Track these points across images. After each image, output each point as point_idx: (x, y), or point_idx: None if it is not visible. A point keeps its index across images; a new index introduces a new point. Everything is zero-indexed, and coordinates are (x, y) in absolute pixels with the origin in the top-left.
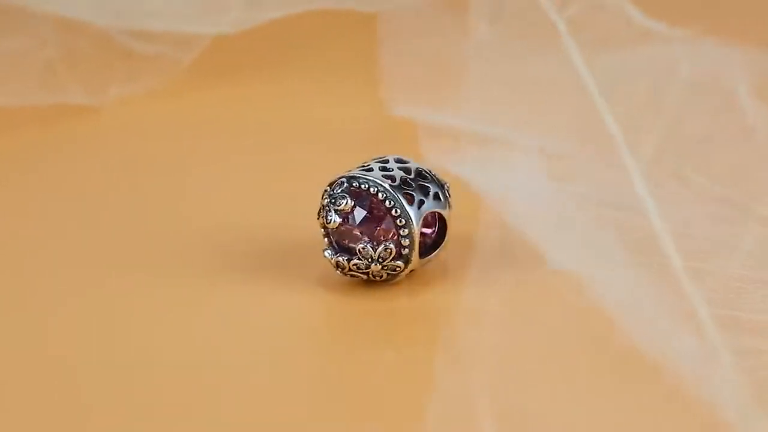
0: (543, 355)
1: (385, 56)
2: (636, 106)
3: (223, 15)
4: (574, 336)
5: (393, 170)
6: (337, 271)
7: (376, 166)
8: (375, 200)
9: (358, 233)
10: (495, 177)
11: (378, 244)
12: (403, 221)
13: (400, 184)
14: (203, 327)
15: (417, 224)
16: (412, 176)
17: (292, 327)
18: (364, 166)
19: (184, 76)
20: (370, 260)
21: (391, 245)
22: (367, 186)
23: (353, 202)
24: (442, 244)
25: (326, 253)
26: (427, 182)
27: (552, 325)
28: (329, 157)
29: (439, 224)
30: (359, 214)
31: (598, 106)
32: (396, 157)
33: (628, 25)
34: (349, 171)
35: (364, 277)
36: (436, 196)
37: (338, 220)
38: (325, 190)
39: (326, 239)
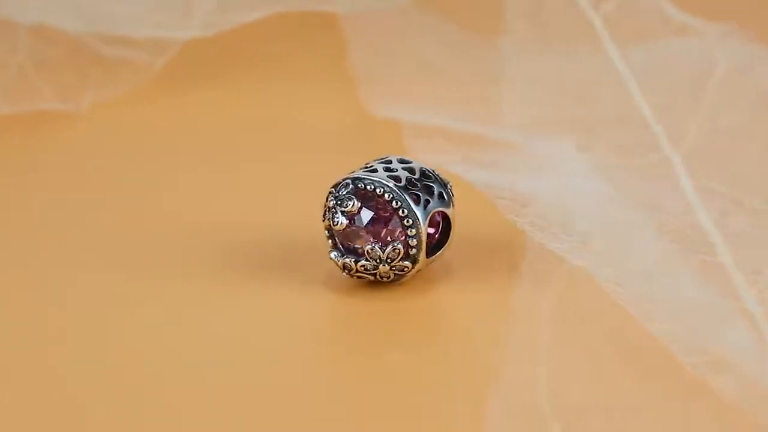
0: (575, 353)
1: (363, 57)
2: (672, 102)
3: (192, 19)
4: (603, 333)
5: (397, 170)
6: (343, 273)
7: (380, 166)
8: (381, 201)
9: (365, 234)
10: (509, 176)
11: (385, 245)
12: (411, 221)
13: (405, 185)
14: (209, 329)
15: (424, 224)
16: (416, 176)
17: (299, 328)
18: (367, 167)
19: (159, 80)
20: (378, 261)
21: (399, 246)
22: (373, 187)
23: (360, 204)
24: (447, 243)
25: (332, 255)
26: (431, 182)
27: (578, 322)
28: (319, 158)
29: (442, 223)
30: (366, 215)
31: (636, 102)
32: (399, 157)
33: (664, 21)
34: (353, 172)
35: (371, 278)
36: (441, 196)
37: (345, 221)
38: (330, 192)
39: (330, 241)
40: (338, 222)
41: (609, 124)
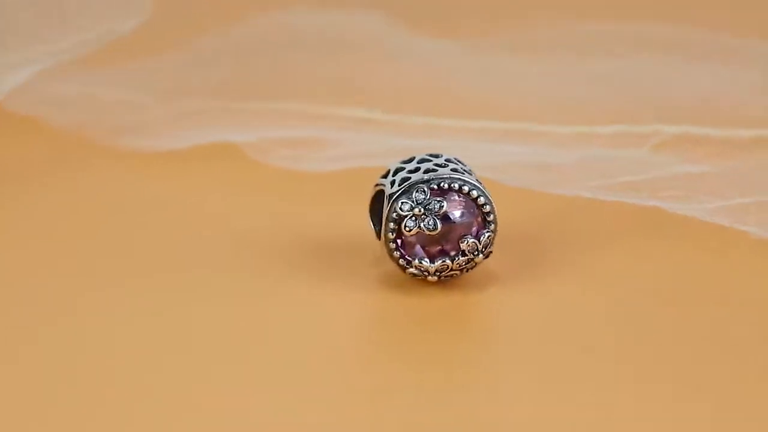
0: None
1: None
2: None
3: None
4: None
5: (448, 164)
6: (430, 278)
7: (428, 165)
8: (461, 195)
9: (459, 231)
10: None
11: (479, 236)
12: (489, 207)
13: (467, 174)
14: (262, 326)
15: (495, 206)
16: (461, 165)
17: (353, 327)
18: (415, 170)
19: None
20: (475, 253)
21: (489, 233)
22: (447, 184)
23: (446, 203)
24: None
25: (419, 263)
26: (467, 167)
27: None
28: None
29: None
30: (456, 212)
31: None
32: (428, 153)
33: None
34: (406, 179)
35: (459, 273)
36: None
37: (440, 223)
38: (402, 201)
39: (399, 252)
40: (434, 226)
41: None
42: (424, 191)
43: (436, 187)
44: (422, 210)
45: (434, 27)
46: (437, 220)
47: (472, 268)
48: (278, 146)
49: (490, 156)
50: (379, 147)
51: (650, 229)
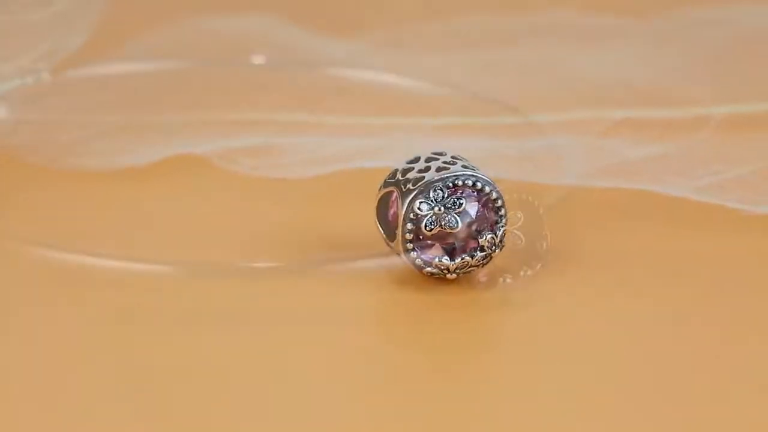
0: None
1: None
2: None
3: None
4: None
5: (456, 161)
6: (450, 275)
7: (438, 163)
8: (474, 191)
9: (475, 227)
10: None
11: (497, 230)
12: (500, 202)
13: (477, 171)
14: (275, 328)
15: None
16: (467, 162)
17: (368, 325)
18: (429, 169)
19: None
20: (494, 248)
21: (503, 226)
22: (462, 181)
23: (465, 200)
24: None
25: (439, 261)
26: (471, 163)
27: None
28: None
29: None
30: (473, 208)
31: None
32: (433, 152)
33: None
34: (420, 179)
35: (476, 269)
36: None
37: (461, 221)
38: (421, 201)
39: (415, 252)
40: (456, 223)
41: None
42: (441, 189)
43: (451, 185)
44: (442, 208)
45: (333, 28)
46: (458, 218)
47: (488, 263)
48: (239, 155)
49: (467, 151)
50: (345, 150)
51: (646, 211)
